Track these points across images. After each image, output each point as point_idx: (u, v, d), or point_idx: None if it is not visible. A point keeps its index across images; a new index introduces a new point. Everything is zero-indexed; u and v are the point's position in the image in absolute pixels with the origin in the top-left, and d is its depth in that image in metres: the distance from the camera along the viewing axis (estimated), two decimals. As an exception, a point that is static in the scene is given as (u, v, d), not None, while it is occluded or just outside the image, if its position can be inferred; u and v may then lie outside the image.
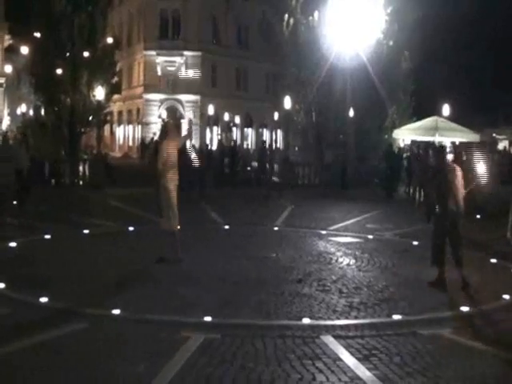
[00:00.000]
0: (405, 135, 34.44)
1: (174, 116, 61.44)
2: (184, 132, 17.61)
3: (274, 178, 33.74)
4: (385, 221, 20.60)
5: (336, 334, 8.58)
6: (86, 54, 34.83)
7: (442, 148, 12.99)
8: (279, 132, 69.48)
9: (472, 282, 11.24)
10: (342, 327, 8.93)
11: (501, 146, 54.82)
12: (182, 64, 65.29)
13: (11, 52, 59.72)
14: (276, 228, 18.60)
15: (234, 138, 62.59)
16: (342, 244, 15.89)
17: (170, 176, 12.66)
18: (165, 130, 13.63)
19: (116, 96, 47.68)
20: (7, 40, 61.59)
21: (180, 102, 65.55)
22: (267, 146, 37.73)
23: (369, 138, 36.61)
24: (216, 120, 66.22)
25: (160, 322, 8.91)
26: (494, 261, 13.89)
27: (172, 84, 65.24)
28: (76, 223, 17.73)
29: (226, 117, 65.42)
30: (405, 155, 32.51)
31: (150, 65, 65.31)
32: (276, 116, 58.29)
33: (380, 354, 7.85)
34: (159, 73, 65.29)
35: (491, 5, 58.33)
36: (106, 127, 58.12)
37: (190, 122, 53.89)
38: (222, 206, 23.56)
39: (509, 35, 58.13)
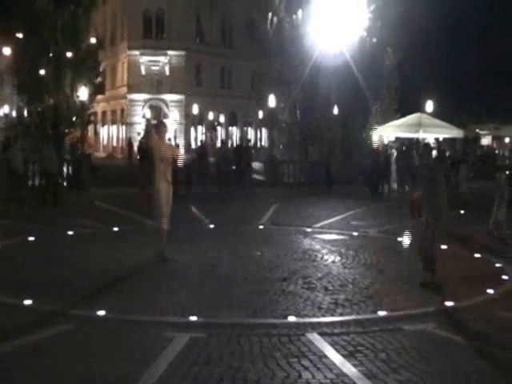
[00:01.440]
0: (389, 132, 34.56)
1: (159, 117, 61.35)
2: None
3: (258, 176, 33.80)
4: (369, 218, 20.64)
5: (321, 332, 8.59)
6: (69, 53, 34.68)
7: (428, 145, 12.88)
8: (264, 130, 69.58)
9: (451, 278, 11.29)
10: (327, 324, 8.94)
11: (484, 141, 55.15)
12: (166, 63, 65.17)
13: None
14: (261, 226, 18.60)
15: (219, 137, 62.70)
16: (327, 241, 15.91)
17: (163, 176, 12.70)
18: (158, 130, 13.55)
19: (100, 96, 47.52)
20: (-11, 41, 61.25)
21: (164, 101, 65.41)
22: (250, 144, 37.63)
23: (353, 135, 36.75)
24: (200, 119, 66.19)
25: (145, 323, 8.88)
26: (477, 255, 13.96)
27: (156, 84, 65.08)
28: (60, 224, 17.67)
29: (211, 116, 65.41)
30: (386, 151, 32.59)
31: (134, 64, 65.15)
32: (261, 114, 58.38)
33: (365, 351, 7.86)
34: (143, 72, 65.13)
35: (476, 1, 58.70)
36: (90, 128, 57.91)
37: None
38: (207, 205, 23.54)
39: (493, 31, 58.45)
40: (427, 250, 11.14)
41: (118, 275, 11.79)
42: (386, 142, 37.91)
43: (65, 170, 30.25)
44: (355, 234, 17.19)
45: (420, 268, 11.39)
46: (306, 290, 10.80)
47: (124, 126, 66.58)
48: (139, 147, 33.98)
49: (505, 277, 11.81)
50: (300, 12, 35.99)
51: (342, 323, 8.99)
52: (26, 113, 38.25)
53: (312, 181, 32.90)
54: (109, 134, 72.18)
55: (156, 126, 13.83)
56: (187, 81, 65.01)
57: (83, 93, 35.40)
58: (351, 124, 36.83)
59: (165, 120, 59.38)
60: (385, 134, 35.36)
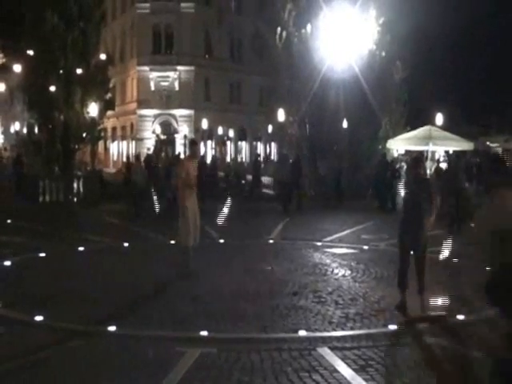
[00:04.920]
0: (399, 145, 34.54)
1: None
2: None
3: (267, 191, 33.80)
4: (379, 231, 20.56)
5: (332, 346, 8.58)
6: (79, 70, 34.82)
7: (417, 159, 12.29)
8: (273, 145, 69.65)
9: (463, 291, 11.26)
10: (338, 339, 8.93)
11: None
12: (176, 79, 65.38)
13: (4, 70, 59.71)
14: (271, 241, 18.59)
15: (228, 151, 62.78)
16: (337, 255, 15.89)
17: (190, 194, 12.89)
18: (192, 149, 14.10)
19: (110, 112, 47.64)
20: (0, 58, 61.62)
21: (174, 116, 65.58)
22: (261, 158, 37.59)
23: (363, 149, 36.69)
24: (210, 134, 66.29)
25: (156, 338, 8.89)
26: (489, 268, 13.87)
27: (165, 99, 65.26)
28: (71, 240, 17.71)
29: (220, 131, 65.54)
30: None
31: (144, 80, 65.40)
32: (270, 129, 58.46)
33: (376, 365, 7.85)
34: (152, 88, 65.37)
35: (484, 14, 58.80)
36: (100, 143, 58.09)
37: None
38: (216, 220, 23.52)
39: (501, 43, 58.49)
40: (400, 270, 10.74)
41: (128, 291, 11.80)
42: (395, 154, 37.94)
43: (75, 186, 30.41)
44: (365, 247, 17.18)
45: (430, 281, 11.36)
46: (317, 304, 10.79)
47: (134, 142, 66.74)
48: (146, 161, 33.89)
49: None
50: (309, 26, 36.04)
51: (352, 337, 8.98)
52: (36, 129, 38.32)
53: (321, 194, 32.82)
54: (119, 150, 72.36)
55: (190, 146, 14.32)
56: (196, 96, 65.19)
57: (93, 109, 35.50)
58: (360, 137, 36.74)
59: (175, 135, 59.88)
60: (395, 147, 35.36)
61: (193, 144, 15.10)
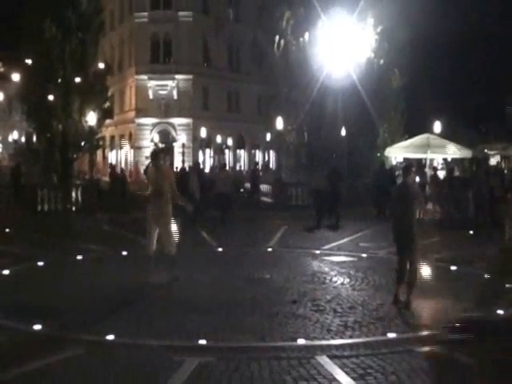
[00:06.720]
0: (397, 153, 34.56)
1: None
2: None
3: (265, 199, 33.74)
4: (378, 239, 20.52)
5: (331, 354, 8.55)
6: (77, 79, 34.85)
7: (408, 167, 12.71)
8: (271, 153, 69.75)
9: (461, 299, 11.25)
10: (336, 347, 8.90)
11: (492, 161, 55.04)
12: (174, 87, 65.43)
13: (2, 79, 59.86)
14: (270, 249, 18.56)
15: (227, 159, 62.87)
16: (335, 263, 15.86)
17: (152, 203, 13.11)
18: (155, 155, 14.01)
19: (108, 121, 47.68)
20: (-1, 68, 61.77)
21: (172, 125, 65.62)
22: (259, 166, 37.53)
23: (361, 157, 36.74)
24: (208, 142, 66.36)
25: (154, 347, 8.86)
26: (487, 276, 13.88)
27: (164, 108, 65.31)
28: (69, 249, 17.67)
29: (219, 139, 65.60)
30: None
31: (142, 89, 65.44)
32: (268, 137, 58.54)
33: (375, 373, 7.82)
34: (151, 97, 65.41)
35: (483, 21, 58.88)
36: (99, 152, 58.07)
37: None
38: (215, 228, 23.48)
39: (500, 51, 58.63)
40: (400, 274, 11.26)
41: (127, 299, 11.78)
42: (394, 162, 37.96)
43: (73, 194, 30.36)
44: (364, 255, 17.16)
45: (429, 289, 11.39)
46: (316, 312, 10.77)
47: (132, 150, 66.75)
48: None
49: (515, 297, 11.74)
50: (307, 35, 36.16)
51: (351, 346, 8.95)
52: (34, 138, 38.35)
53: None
54: (117, 159, 72.33)
55: (161, 152, 14.28)
56: (195, 104, 65.23)
57: (91, 118, 35.52)
58: (359, 145, 36.79)
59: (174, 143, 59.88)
60: (393, 154, 35.39)
61: (153, 154, 14.65)
